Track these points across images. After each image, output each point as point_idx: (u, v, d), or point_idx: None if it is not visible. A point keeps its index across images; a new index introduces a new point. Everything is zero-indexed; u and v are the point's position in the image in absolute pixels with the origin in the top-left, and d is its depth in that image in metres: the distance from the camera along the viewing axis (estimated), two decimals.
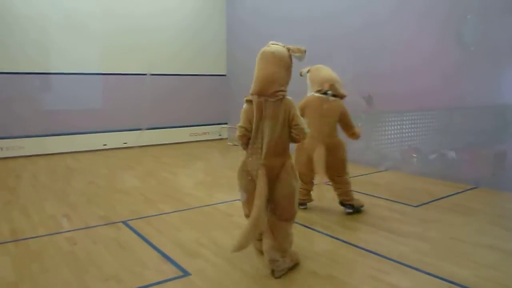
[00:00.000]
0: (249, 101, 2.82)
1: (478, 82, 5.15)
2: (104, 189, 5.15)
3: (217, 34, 9.65)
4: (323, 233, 3.56)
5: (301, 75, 4.16)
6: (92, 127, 8.01)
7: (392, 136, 6.14)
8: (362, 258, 3.06)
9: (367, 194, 4.78)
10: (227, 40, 9.76)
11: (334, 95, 4.01)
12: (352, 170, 5.29)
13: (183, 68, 9.12)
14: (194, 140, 9.22)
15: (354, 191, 4.48)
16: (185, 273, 2.82)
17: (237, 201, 4.50)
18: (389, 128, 6.19)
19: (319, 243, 3.38)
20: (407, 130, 5.96)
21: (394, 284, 2.66)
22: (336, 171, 4.05)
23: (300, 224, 3.78)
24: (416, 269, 2.85)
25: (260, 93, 2.78)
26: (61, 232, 3.60)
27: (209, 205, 4.41)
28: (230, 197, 4.66)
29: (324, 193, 4.82)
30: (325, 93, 4.00)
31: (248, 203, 2.83)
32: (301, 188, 3.87)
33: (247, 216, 2.89)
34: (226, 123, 9.54)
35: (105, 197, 4.80)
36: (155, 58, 8.71)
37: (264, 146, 2.75)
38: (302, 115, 3.41)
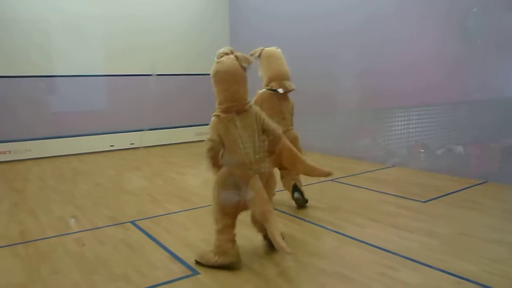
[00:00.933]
0: (217, 115, 2.82)
1: (482, 76, 5.11)
2: (111, 190, 5.17)
3: (221, 34, 9.64)
4: (331, 230, 3.55)
5: (250, 55, 4.09)
6: (98, 129, 8.04)
7: (398, 132, 6.11)
8: (371, 254, 3.04)
9: (374, 190, 4.76)
10: (231, 39, 9.76)
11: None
12: (358, 166, 5.31)
13: (188, 68, 9.13)
14: (200, 139, 9.22)
15: (361, 187, 4.47)
16: (194, 272, 2.82)
17: None
18: (395, 124, 6.16)
19: (327, 240, 3.37)
20: (413, 126, 5.93)
21: (403, 280, 2.64)
22: None
23: (307, 221, 3.77)
24: (425, 265, 2.84)
25: (230, 111, 2.79)
26: (69, 234, 3.62)
27: None
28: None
29: (330, 190, 4.82)
30: (274, 90, 4.06)
31: (225, 213, 2.87)
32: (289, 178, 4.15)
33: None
34: None
35: (112, 198, 4.81)
36: (159, 58, 8.73)
37: (251, 156, 2.77)
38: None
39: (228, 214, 2.87)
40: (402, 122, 6.07)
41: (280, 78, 4.11)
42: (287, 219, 3.85)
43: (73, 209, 4.35)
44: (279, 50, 4.28)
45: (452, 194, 4.58)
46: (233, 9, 9.60)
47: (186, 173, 5.93)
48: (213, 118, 2.83)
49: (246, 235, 3.29)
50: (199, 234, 3.53)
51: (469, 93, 5.25)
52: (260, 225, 2.97)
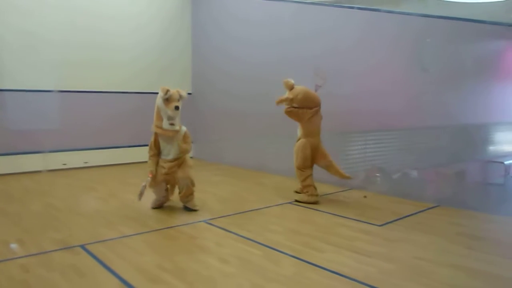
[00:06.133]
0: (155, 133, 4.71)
1: (438, 103, 5.31)
2: (62, 212, 4.93)
3: (183, 53, 9.60)
4: (289, 255, 3.51)
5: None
6: (50, 146, 7.71)
7: (356, 155, 6.22)
8: (329, 280, 3.02)
9: (333, 214, 4.78)
10: (193, 58, 9.73)
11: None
12: (318, 189, 5.34)
13: (148, 86, 8.98)
14: None
15: (319, 210, 4.48)
16: None
17: (201, 222, 4.43)
18: (353, 147, 6.27)
19: (285, 266, 3.32)
20: (370, 150, 6.05)
21: None
22: None
23: (266, 245, 3.72)
24: None
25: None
26: (13, 259, 3.40)
27: (172, 227, 4.29)
28: (194, 218, 4.57)
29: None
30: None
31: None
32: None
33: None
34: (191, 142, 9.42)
35: (63, 220, 4.59)
36: (119, 76, 8.57)
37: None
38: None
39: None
40: (360, 146, 6.18)
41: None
42: (245, 244, 3.78)
43: (20, 232, 4.10)
44: None
45: (407, 218, 4.66)
46: (196, 28, 9.60)
47: (143, 194, 5.76)
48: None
49: (200, 260, 3.20)
50: (154, 259, 3.40)
51: (425, 119, 5.42)
52: None
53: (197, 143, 9.03)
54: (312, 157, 5.22)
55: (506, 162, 5.90)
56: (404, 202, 5.30)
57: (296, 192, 5.76)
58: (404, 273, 3.16)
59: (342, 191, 5.99)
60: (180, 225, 4.34)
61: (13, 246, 3.72)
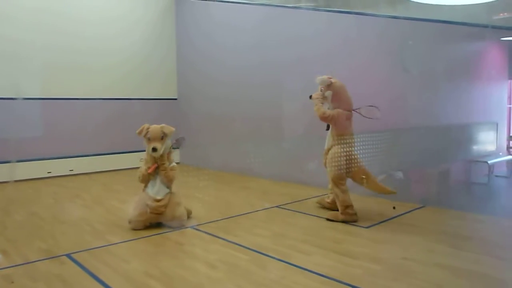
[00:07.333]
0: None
1: (422, 105, 5.38)
2: (47, 221, 4.87)
3: (167, 58, 9.58)
4: (276, 259, 3.52)
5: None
6: (34, 154, 7.61)
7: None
8: (316, 283, 3.02)
9: (319, 216, 4.80)
10: (178, 64, 9.71)
11: None
12: (304, 192, 5.36)
13: (132, 92, 8.94)
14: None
15: (306, 213, 4.49)
16: None
17: (188, 228, 4.41)
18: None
19: (272, 270, 3.32)
20: (356, 152, 6.08)
21: None
22: None
23: (252, 249, 3.72)
24: None
25: None
26: None
27: (158, 233, 4.27)
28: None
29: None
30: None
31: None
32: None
33: None
34: (177, 147, 9.39)
35: (48, 229, 4.53)
36: (103, 82, 8.51)
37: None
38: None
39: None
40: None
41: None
42: (232, 249, 3.78)
43: (3, 242, 4.03)
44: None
45: (393, 219, 4.70)
46: (180, 33, 9.59)
47: (130, 201, 5.71)
48: None
49: (188, 266, 3.19)
50: (140, 267, 3.38)
51: (409, 121, 5.48)
52: None
53: (182, 148, 9.01)
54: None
55: (489, 162, 6.00)
56: (390, 203, 5.34)
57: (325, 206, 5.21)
58: (391, 273, 3.19)
59: (327, 194, 6.01)
60: (167, 232, 4.32)
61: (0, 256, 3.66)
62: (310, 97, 4.84)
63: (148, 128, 4.41)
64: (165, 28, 9.54)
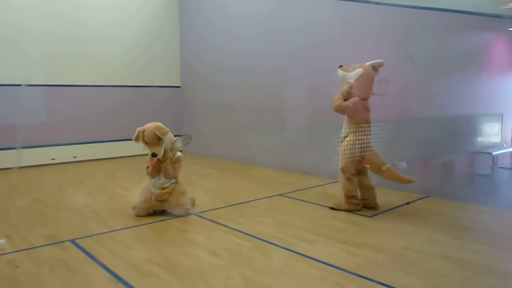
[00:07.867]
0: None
1: (426, 95, 5.34)
2: (51, 207, 4.89)
3: (171, 46, 9.53)
4: (279, 246, 3.52)
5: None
6: (38, 141, 7.63)
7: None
8: (319, 271, 3.03)
9: (323, 205, 4.80)
10: (181, 51, 9.66)
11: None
12: (307, 181, 5.36)
13: (136, 79, 8.92)
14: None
15: (309, 202, 4.49)
16: None
17: (191, 215, 4.42)
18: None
19: (275, 257, 3.33)
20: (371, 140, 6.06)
21: None
22: None
23: (255, 237, 3.73)
24: (372, 280, 2.86)
25: None
26: (1, 255, 3.36)
27: (162, 220, 4.28)
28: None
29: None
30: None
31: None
32: None
33: None
34: (180, 135, 9.39)
35: (52, 215, 4.55)
36: (106, 69, 8.49)
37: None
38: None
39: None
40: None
41: None
42: (235, 236, 3.79)
43: (7, 228, 4.05)
44: None
45: (397, 209, 4.70)
46: (184, 21, 9.52)
47: (132, 189, 5.72)
48: None
49: (190, 253, 3.20)
50: (143, 253, 3.39)
51: (414, 111, 5.45)
52: None
53: (186, 146, 9.02)
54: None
55: (494, 153, 5.97)
56: (393, 193, 5.34)
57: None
58: (393, 263, 3.19)
59: (331, 183, 6.01)
60: (170, 219, 4.33)
61: (1, 241, 3.67)
62: (340, 66, 4.85)
63: (143, 132, 4.37)
64: (168, 15, 9.48)
